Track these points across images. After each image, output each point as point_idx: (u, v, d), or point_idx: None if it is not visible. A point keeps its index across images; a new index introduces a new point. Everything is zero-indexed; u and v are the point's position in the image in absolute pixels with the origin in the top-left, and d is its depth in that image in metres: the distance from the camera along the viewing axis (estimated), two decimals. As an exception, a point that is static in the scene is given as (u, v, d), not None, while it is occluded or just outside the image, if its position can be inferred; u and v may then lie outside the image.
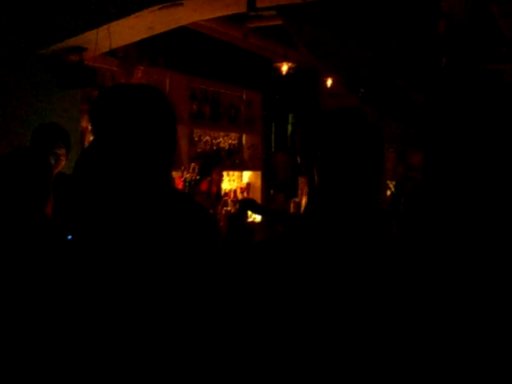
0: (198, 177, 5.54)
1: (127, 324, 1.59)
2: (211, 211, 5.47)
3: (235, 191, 7.22)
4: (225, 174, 7.23)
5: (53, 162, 3.54)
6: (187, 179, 5.26)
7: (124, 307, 1.59)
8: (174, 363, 1.62)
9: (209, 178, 5.89)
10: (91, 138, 4.25)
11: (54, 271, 1.76)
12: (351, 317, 1.75)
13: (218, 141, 7.27)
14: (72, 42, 4.57)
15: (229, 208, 6.27)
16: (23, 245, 2.23)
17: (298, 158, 2.07)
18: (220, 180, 6.47)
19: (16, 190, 2.41)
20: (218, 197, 6.39)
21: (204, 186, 6.08)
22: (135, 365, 1.59)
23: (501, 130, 3.04)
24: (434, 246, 2.09)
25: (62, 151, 3.71)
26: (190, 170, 5.59)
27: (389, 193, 8.49)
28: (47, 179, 2.51)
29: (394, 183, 8.21)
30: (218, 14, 4.60)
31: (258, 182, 7.73)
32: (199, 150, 6.80)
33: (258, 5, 3.78)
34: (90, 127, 4.71)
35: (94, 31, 4.33)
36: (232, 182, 7.44)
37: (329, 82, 7.26)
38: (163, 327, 1.60)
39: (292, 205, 7.00)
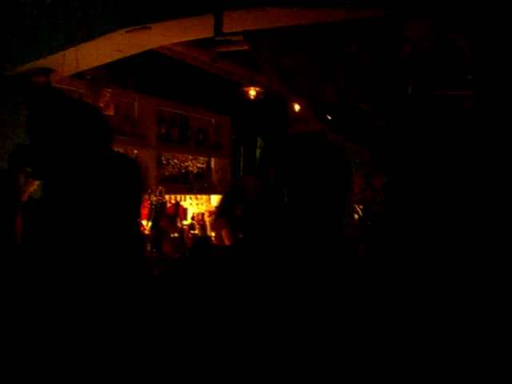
0: (163, 200, 5.52)
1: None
2: (177, 235, 5.46)
3: (203, 214, 7.21)
4: (193, 197, 7.24)
5: (21, 182, 3.49)
6: (153, 202, 5.25)
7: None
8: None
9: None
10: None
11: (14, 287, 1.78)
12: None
13: (187, 164, 7.28)
14: (39, 63, 4.57)
15: (196, 231, 6.26)
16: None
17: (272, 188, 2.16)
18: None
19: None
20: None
21: (171, 210, 6.06)
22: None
23: (459, 151, 3.12)
24: (402, 263, 2.13)
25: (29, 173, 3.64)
26: (157, 193, 5.57)
27: (356, 217, 8.55)
28: (13, 201, 2.50)
29: (361, 207, 8.28)
30: (186, 38, 4.62)
31: (226, 206, 7.72)
32: (167, 174, 6.80)
33: (225, 30, 3.82)
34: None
35: (61, 53, 4.34)
36: (200, 205, 7.43)
37: (297, 107, 7.33)
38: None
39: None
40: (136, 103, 6.38)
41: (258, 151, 9.53)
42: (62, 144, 1.83)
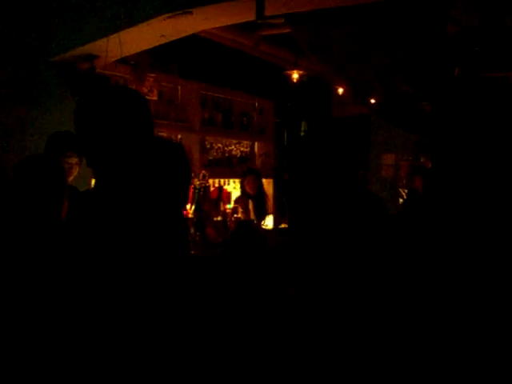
0: (207, 183, 5.55)
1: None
2: (220, 219, 5.48)
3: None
4: (236, 181, 7.25)
5: (66, 168, 3.53)
6: (196, 186, 5.27)
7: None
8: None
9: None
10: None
11: (64, 270, 1.82)
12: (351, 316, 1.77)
13: (230, 148, 7.29)
14: (83, 49, 4.63)
15: (239, 215, 6.28)
16: (38, 246, 2.27)
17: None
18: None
19: (30, 196, 2.46)
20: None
21: (214, 194, 6.09)
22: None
23: (507, 134, 3.04)
24: (438, 249, 2.10)
25: (75, 160, 3.66)
26: (200, 177, 5.60)
27: (401, 200, 8.47)
28: (61, 185, 2.54)
29: (405, 191, 8.19)
30: (228, 22, 4.62)
31: (270, 190, 7.72)
32: (210, 158, 6.82)
33: (267, 13, 3.79)
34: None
35: (105, 39, 4.38)
36: (244, 189, 7.43)
37: (340, 90, 7.27)
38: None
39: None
40: (179, 88, 6.41)
41: (301, 135, 9.50)
42: (108, 130, 1.85)
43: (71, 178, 3.70)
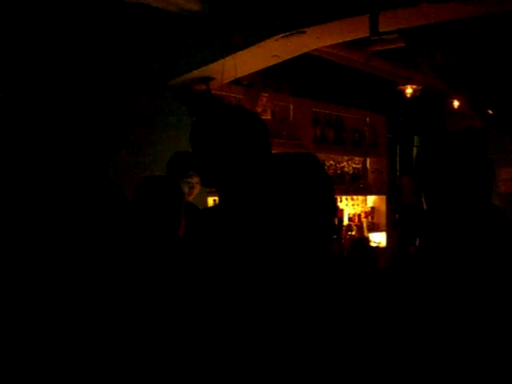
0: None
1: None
2: (335, 236, 5.46)
3: (359, 215, 7.16)
4: (349, 198, 7.21)
5: (186, 190, 3.63)
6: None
7: None
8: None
9: None
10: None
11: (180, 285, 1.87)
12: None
13: (342, 165, 7.26)
14: (199, 72, 4.78)
15: (353, 233, 6.23)
16: (155, 262, 2.36)
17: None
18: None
19: (148, 215, 2.56)
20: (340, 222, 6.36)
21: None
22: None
23: None
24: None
25: (195, 179, 3.73)
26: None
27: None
28: (178, 205, 2.63)
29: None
30: (340, 39, 4.62)
31: (383, 207, 7.62)
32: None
33: (381, 29, 3.77)
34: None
35: (220, 62, 4.50)
36: (356, 206, 7.39)
37: (455, 103, 7.08)
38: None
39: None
40: (291, 106, 6.46)
41: (414, 150, 9.32)
42: (224, 150, 1.88)
43: (192, 197, 3.80)
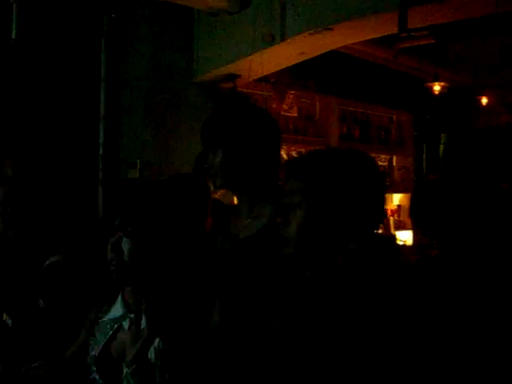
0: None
1: None
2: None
3: (385, 213, 7.12)
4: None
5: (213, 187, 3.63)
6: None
7: None
8: None
9: None
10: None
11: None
12: None
13: (368, 163, 7.21)
14: (226, 69, 4.78)
15: (379, 230, 6.19)
16: (186, 258, 2.37)
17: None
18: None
19: (175, 210, 2.57)
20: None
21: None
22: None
23: None
24: None
25: None
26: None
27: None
28: (205, 202, 2.64)
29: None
30: (368, 36, 4.59)
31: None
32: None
33: (410, 26, 3.73)
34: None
35: (247, 59, 4.49)
36: (382, 204, 7.33)
37: (484, 101, 6.99)
38: None
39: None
40: (317, 103, 6.44)
41: (441, 148, 9.23)
42: (248, 150, 1.87)
43: (219, 194, 3.81)
